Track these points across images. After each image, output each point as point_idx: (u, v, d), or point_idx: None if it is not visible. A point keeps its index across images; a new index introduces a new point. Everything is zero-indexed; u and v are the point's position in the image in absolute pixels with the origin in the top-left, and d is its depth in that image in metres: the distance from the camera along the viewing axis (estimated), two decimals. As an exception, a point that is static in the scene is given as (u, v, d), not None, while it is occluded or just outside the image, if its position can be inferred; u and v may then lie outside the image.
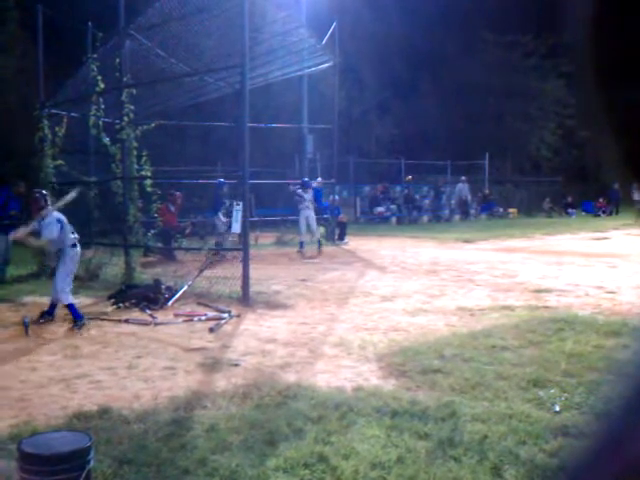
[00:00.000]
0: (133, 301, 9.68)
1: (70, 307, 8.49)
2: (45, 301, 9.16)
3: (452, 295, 10.17)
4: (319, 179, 19.27)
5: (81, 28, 14.37)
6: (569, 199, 33.83)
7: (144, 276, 11.74)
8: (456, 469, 3.96)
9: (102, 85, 12.66)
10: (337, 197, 20.69)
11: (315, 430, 4.57)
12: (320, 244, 16.47)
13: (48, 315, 8.71)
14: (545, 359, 6.26)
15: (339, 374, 6.10)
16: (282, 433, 4.55)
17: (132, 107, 12.00)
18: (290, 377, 5.98)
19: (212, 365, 6.50)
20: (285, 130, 23.57)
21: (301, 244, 16.35)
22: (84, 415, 5.01)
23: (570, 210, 33.23)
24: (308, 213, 16.51)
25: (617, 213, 30.69)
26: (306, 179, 17.61)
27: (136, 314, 9.20)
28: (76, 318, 8.38)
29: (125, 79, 12.10)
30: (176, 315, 9.04)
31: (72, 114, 13.96)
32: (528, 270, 12.73)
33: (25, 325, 8.15)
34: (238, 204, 10.71)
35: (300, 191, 16.65)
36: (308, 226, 16.55)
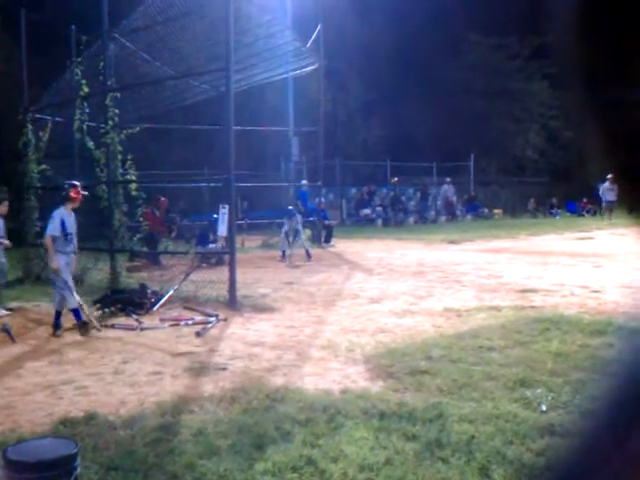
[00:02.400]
0: (119, 306, 9.61)
1: (76, 312, 8.44)
2: (31, 307, 9.09)
3: (439, 296, 10.20)
4: (304, 181, 19.26)
5: (65, 32, 14.28)
6: (554, 200, 34.05)
7: (130, 280, 11.69)
8: (444, 470, 3.97)
9: (86, 89, 12.59)
10: (323, 200, 20.66)
11: (303, 433, 4.57)
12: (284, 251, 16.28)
13: (57, 326, 8.42)
14: (531, 359, 6.29)
15: (327, 377, 6.10)
16: (270, 437, 4.54)
17: (116, 111, 11.93)
18: (278, 380, 5.97)
19: (199, 369, 6.48)
20: (271, 133, 23.57)
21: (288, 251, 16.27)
22: (70, 421, 4.97)
23: (554, 210, 33.44)
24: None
25: (601, 213, 30.92)
26: (303, 189, 17.48)
27: (122, 319, 9.15)
28: (78, 319, 8.42)
29: (109, 83, 12.03)
30: (162, 320, 9.00)
31: (56, 118, 13.87)
32: (514, 270, 12.79)
33: (7, 332, 8.07)
34: (224, 207, 10.69)
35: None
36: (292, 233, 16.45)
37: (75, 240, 8.77)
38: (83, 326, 8.35)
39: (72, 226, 8.65)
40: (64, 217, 8.54)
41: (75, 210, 8.90)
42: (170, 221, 18.15)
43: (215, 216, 16.37)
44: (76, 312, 8.41)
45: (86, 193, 9.15)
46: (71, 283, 8.51)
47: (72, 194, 8.65)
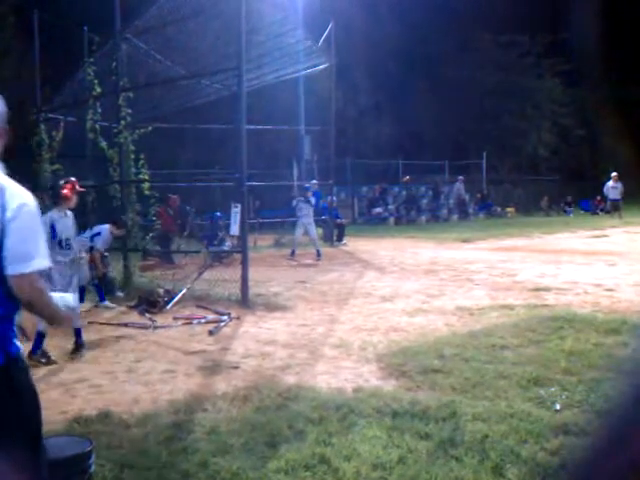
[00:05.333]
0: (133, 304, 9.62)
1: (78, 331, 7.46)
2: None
3: (451, 295, 10.17)
4: (314, 181, 19.23)
5: (77, 32, 14.36)
6: (567, 198, 33.87)
7: (143, 279, 11.74)
8: (457, 469, 3.95)
9: (99, 89, 12.65)
10: (335, 198, 20.63)
11: (316, 431, 4.57)
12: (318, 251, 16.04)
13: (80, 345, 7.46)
14: (545, 357, 6.26)
15: (339, 375, 6.10)
16: (283, 435, 4.54)
17: (129, 110, 11.99)
18: (290, 379, 5.98)
19: (212, 368, 6.50)
20: (282, 132, 23.58)
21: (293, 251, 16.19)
22: (84, 420, 5.00)
23: (567, 209, 33.26)
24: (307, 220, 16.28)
25: (607, 211, 30.71)
26: (307, 185, 17.36)
27: (135, 318, 9.20)
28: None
29: (122, 83, 12.09)
30: (175, 318, 9.03)
31: (69, 118, 13.95)
32: (527, 269, 12.73)
33: (22, 330, 8.08)
34: (236, 206, 10.70)
35: (302, 202, 16.37)
36: (306, 232, 16.36)
37: (74, 246, 7.65)
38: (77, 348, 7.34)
39: (67, 230, 7.43)
40: (54, 221, 7.26)
41: (87, 209, 8.79)
42: (184, 217, 18.18)
43: (218, 214, 16.43)
44: (39, 338, 6.90)
45: (83, 189, 8.04)
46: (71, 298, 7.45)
47: (65, 193, 7.43)
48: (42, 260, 2.68)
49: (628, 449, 0.45)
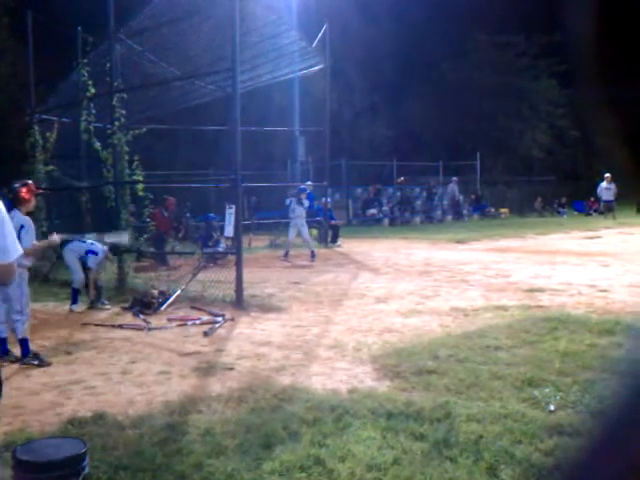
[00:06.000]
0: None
1: (25, 342, 7.06)
2: (39, 307, 9.08)
3: (446, 296, 10.18)
4: (309, 182, 19.21)
5: (71, 33, 14.34)
6: (563, 199, 33.96)
7: (137, 281, 11.72)
8: (452, 469, 3.96)
9: (93, 90, 12.63)
10: (329, 200, 20.62)
11: (311, 433, 4.57)
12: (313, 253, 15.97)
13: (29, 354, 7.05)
14: (539, 358, 6.27)
15: (334, 376, 6.10)
16: (278, 436, 4.54)
17: (123, 112, 11.96)
18: (285, 380, 5.98)
19: (207, 369, 6.49)
20: (277, 133, 23.57)
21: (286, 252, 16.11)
22: (79, 421, 4.98)
23: (561, 210, 33.35)
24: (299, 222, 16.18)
25: (600, 212, 30.81)
26: (302, 186, 17.22)
27: (130, 319, 9.18)
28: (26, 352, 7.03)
29: (116, 84, 12.07)
30: (170, 320, 9.01)
31: (63, 119, 13.92)
32: (521, 270, 12.76)
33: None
34: (230, 207, 10.69)
35: (295, 204, 16.21)
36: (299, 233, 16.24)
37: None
38: (34, 358, 6.96)
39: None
40: (32, 229, 6.92)
41: (81, 210, 8.77)
42: (179, 220, 18.17)
43: (212, 215, 16.41)
44: (25, 342, 6.98)
45: (41, 191, 7.68)
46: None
47: (23, 195, 6.98)
48: (19, 249, 3.27)
49: (627, 451, 0.45)
